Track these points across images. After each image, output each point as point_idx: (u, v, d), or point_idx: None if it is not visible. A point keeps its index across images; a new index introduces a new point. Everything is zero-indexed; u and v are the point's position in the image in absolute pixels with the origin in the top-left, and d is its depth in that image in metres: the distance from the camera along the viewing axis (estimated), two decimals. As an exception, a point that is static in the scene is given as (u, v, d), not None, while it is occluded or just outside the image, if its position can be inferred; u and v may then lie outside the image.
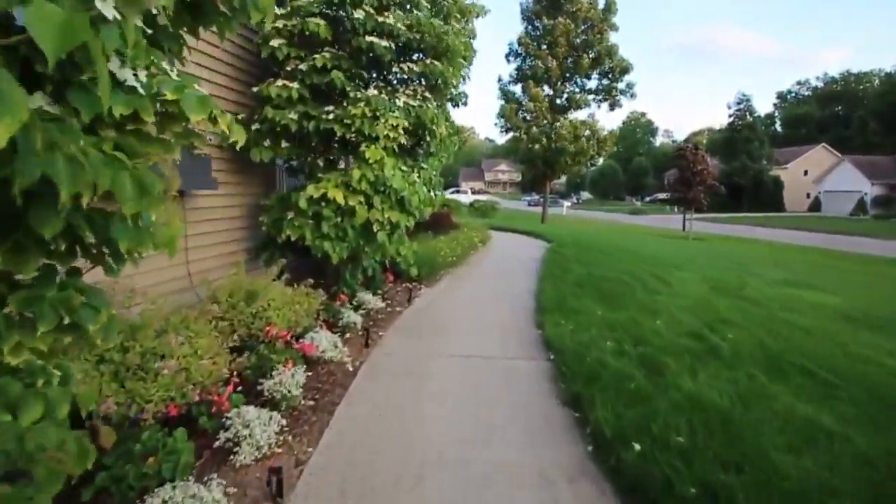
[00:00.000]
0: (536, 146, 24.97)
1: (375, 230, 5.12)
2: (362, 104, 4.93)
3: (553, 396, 3.29)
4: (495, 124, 27.82)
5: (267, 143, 5.16)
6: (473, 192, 49.04)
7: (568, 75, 26.54)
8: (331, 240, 5.05)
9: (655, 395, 2.97)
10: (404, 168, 5.38)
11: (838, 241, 22.40)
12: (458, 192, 48.38)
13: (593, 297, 6.20)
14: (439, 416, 3.06)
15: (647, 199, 62.84)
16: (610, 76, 26.10)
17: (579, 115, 26.60)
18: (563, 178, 61.04)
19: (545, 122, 25.95)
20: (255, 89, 5.11)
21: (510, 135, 27.48)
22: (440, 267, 7.82)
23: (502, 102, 27.34)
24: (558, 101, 26.70)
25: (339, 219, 5.05)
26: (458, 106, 6.78)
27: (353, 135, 4.97)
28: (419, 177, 5.76)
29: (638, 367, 3.53)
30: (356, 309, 5.58)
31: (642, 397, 2.93)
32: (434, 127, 5.56)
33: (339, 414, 3.10)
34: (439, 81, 5.48)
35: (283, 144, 5.23)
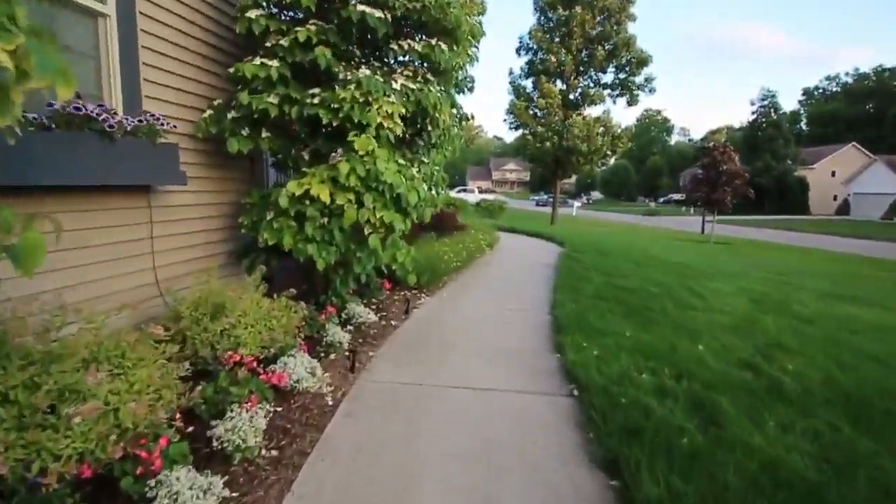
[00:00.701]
0: (547, 144, 24.29)
1: (367, 233, 4.52)
2: (352, 86, 4.33)
3: (581, 451, 2.66)
4: (504, 120, 27.81)
5: (245, 132, 4.58)
6: (480, 192, 48.47)
7: (582, 69, 25.87)
8: (315, 243, 4.46)
9: (717, 457, 2.34)
10: (401, 162, 4.77)
11: (873, 248, 21.52)
12: (464, 190, 47.85)
13: (619, 313, 5.56)
14: (433, 482, 2.44)
15: (661, 200, 61.87)
16: (627, 69, 25.40)
17: (593, 111, 25.96)
18: (573, 178, 60.12)
19: (557, 118, 25.27)
20: (230, 70, 4.53)
21: (519, 132, 26.88)
22: (443, 272, 7.21)
23: (512, 98, 26.74)
24: (571, 96, 26.04)
25: (325, 219, 4.46)
26: (463, 92, 6.17)
27: (342, 122, 4.37)
28: (419, 172, 5.15)
29: (687, 411, 2.90)
30: (344, 324, 4.99)
31: (701, 461, 2.30)
32: (437, 114, 4.95)
33: (304, 474, 2.49)
34: (442, 63, 4.87)
35: (264, 134, 4.65)
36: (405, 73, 4.87)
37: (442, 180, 6.08)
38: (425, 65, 5.06)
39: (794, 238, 25.85)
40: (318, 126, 4.66)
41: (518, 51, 26.55)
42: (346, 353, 4.24)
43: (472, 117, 7.34)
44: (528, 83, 26.41)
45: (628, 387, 3.23)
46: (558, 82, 26.13)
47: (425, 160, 5.64)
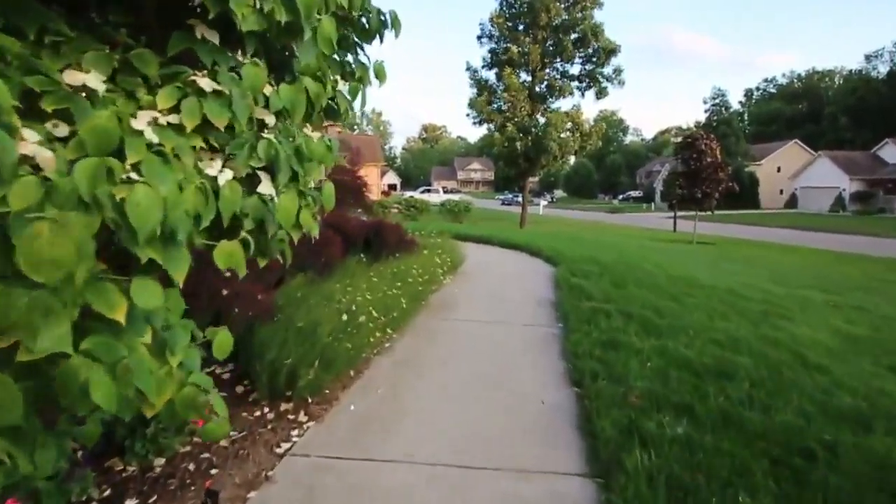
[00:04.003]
0: (517, 143, 20.99)
1: None
2: None
3: None
4: (467, 115, 23.76)
5: None
6: (446, 192, 45.04)
7: (548, 59, 22.76)
8: None
9: None
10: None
11: (847, 242, 19.43)
12: (428, 191, 44.22)
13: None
14: None
15: (621, 197, 60.19)
16: (595, 59, 22.43)
17: (562, 104, 22.90)
18: (537, 177, 57.34)
19: (523, 111, 22.06)
20: None
21: (483, 128, 23.56)
22: (352, 355, 3.54)
23: (474, 91, 23.31)
24: (537, 88, 22.88)
25: None
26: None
27: None
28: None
29: None
30: None
31: None
32: None
33: None
34: None
35: None
36: None
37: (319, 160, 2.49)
38: None
39: (768, 234, 23.63)
40: None
41: (479, 38, 23.14)
42: None
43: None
44: (490, 74, 23.06)
45: None
46: (523, 73, 22.93)
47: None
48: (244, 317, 3.55)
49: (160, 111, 1.57)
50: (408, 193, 37.27)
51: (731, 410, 2.92)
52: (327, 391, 3.20)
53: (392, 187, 54.05)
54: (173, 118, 1.59)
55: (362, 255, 5.97)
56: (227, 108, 1.69)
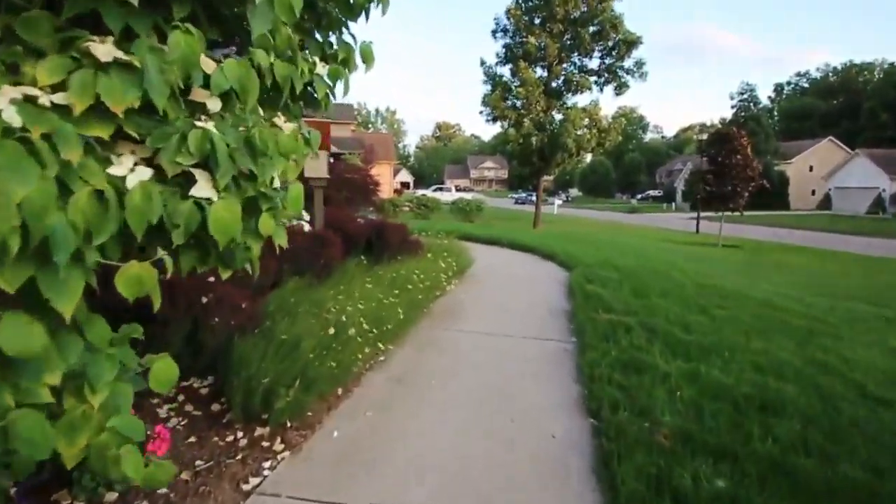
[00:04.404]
0: (533, 139, 20.41)
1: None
2: None
3: None
4: (480, 112, 23.19)
5: None
6: (458, 190, 44.60)
7: (565, 54, 22.07)
8: None
9: None
10: None
11: (889, 248, 18.30)
12: (440, 189, 43.83)
13: None
14: None
15: (640, 196, 58.76)
16: (615, 52, 21.63)
17: (579, 99, 22.24)
18: (552, 175, 56.14)
19: (539, 108, 21.45)
20: None
21: (497, 125, 22.97)
22: (334, 374, 3.13)
23: (487, 87, 22.74)
24: (553, 84, 22.19)
25: None
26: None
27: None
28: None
29: None
30: None
31: None
32: None
33: None
34: None
35: None
36: None
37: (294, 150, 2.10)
38: None
39: (800, 238, 22.55)
40: None
41: (494, 33, 22.55)
42: None
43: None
44: (505, 70, 22.45)
45: None
46: (538, 69, 22.27)
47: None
48: (226, 326, 3.20)
49: (43, 88, 1.19)
50: (420, 192, 36.95)
51: (783, 458, 2.43)
52: (310, 414, 2.80)
53: (405, 185, 53.85)
54: (61, 97, 1.20)
55: (363, 258, 5.58)
56: (136, 86, 1.28)
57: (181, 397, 2.76)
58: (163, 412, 2.62)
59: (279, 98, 2.04)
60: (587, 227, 25.03)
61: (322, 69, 2.04)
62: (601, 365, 3.55)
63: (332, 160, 21.69)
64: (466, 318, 4.89)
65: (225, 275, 1.86)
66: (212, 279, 3.41)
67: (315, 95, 2.05)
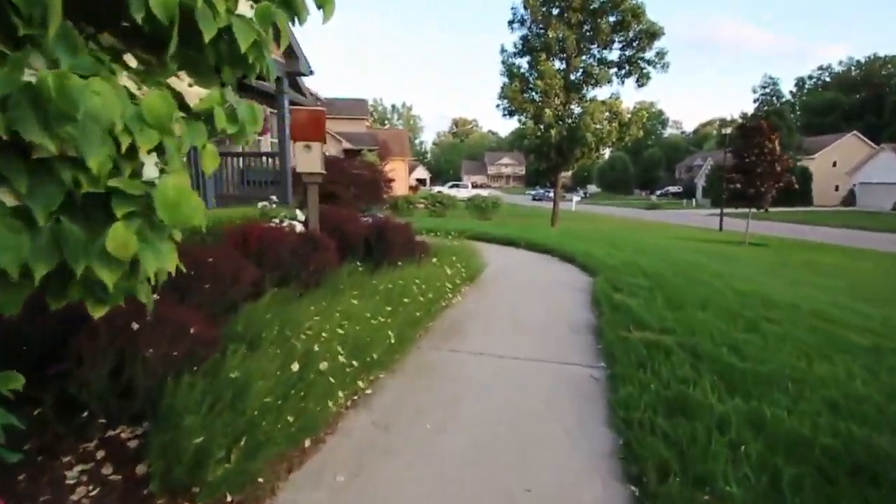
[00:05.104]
0: (552, 131, 19.49)
1: None
2: None
3: None
4: (497, 106, 22.25)
5: None
6: (475, 186, 43.78)
7: (584, 45, 21.02)
8: None
9: None
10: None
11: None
12: (457, 185, 43.00)
13: None
14: None
15: (659, 192, 56.87)
16: (636, 43, 20.49)
17: (598, 93, 21.18)
18: (569, 171, 54.33)
19: (558, 101, 20.49)
20: None
21: (514, 119, 22.05)
22: (294, 432, 2.42)
23: (504, 80, 21.82)
24: (572, 76, 21.15)
25: None
26: None
27: None
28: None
29: None
30: None
31: None
32: None
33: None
34: None
35: None
36: None
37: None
38: None
39: (826, 235, 21.15)
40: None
41: (511, 24, 21.61)
42: None
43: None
44: (523, 62, 21.51)
45: None
46: (556, 61, 21.26)
47: None
48: (164, 359, 2.55)
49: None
50: (436, 188, 36.23)
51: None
52: (260, 480, 2.14)
53: (421, 182, 53.14)
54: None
55: (359, 264, 4.91)
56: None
57: (101, 453, 2.11)
58: (72, 475, 1.98)
59: (200, 57, 1.36)
60: (606, 224, 24.01)
61: (247, 8, 1.34)
62: (640, 405, 2.81)
63: (343, 156, 21.00)
64: (473, 336, 4.17)
65: (97, 312, 1.21)
66: (157, 296, 2.77)
67: (235, 48, 1.34)
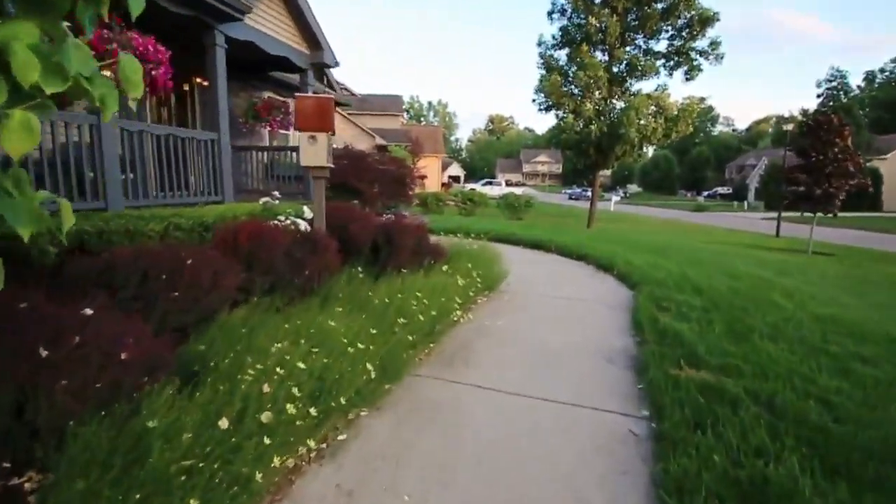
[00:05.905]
0: (592, 126, 18.28)
1: None
2: None
3: None
4: (533, 101, 21.15)
5: None
6: (508, 185, 42.64)
7: (629, 36, 19.60)
8: None
9: None
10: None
11: None
12: (490, 183, 41.98)
13: None
14: None
15: (706, 194, 53.40)
16: (686, 32, 18.86)
17: (643, 86, 19.72)
18: (609, 170, 51.50)
19: (598, 95, 19.22)
20: None
21: (551, 114, 20.86)
22: (237, 478, 1.81)
23: (542, 72, 20.68)
24: (615, 68, 19.76)
25: None
26: None
27: None
28: None
29: None
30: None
31: None
32: None
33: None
34: None
35: None
36: None
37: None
38: None
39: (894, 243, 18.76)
40: None
41: (550, 14, 20.46)
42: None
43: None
44: (561, 54, 20.31)
45: None
46: (598, 52, 19.93)
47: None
48: (79, 395, 1.99)
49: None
50: (469, 186, 35.47)
51: None
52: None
53: (454, 179, 52.45)
54: None
55: (359, 269, 4.27)
56: None
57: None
58: None
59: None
60: (648, 225, 22.47)
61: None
62: (699, 489, 2.00)
63: (374, 150, 20.58)
64: (483, 365, 3.43)
65: None
66: (90, 311, 2.22)
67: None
